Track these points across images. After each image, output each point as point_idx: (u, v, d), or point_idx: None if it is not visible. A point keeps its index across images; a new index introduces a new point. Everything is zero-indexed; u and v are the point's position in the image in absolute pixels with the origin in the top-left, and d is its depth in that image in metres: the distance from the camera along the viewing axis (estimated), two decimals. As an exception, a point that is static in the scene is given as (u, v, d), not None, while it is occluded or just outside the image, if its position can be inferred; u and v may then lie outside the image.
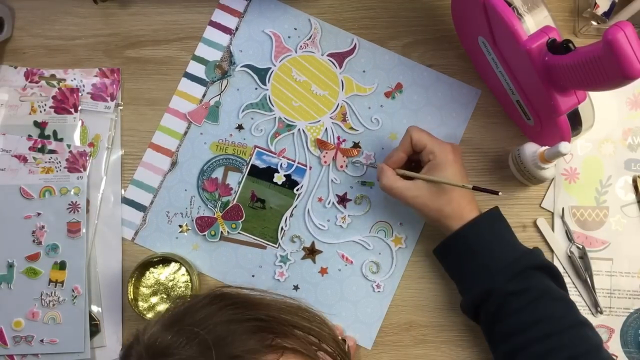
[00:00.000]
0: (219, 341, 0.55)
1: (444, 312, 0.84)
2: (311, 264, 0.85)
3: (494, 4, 0.67)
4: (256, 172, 0.86)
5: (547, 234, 0.83)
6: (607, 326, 0.82)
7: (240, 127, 0.86)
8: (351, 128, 0.86)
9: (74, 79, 0.87)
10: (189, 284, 0.81)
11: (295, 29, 0.87)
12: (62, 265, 0.84)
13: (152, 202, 0.86)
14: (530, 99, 0.74)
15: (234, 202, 0.85)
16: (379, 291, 0.84)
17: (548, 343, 0.69)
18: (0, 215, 0.84)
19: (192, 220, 0.85)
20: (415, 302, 0.84)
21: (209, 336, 0.55)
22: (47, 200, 0.84)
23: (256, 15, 0.87)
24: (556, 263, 0.82)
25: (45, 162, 0.85)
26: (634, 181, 0.83)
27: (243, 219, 0.85)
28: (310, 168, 0.86)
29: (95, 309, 0.84)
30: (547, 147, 0.74)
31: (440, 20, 0.86)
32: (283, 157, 0.86)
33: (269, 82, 0.86)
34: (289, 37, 0.87)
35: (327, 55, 0.87)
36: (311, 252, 0.85)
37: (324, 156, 0.85)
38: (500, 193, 0.70)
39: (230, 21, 0.87)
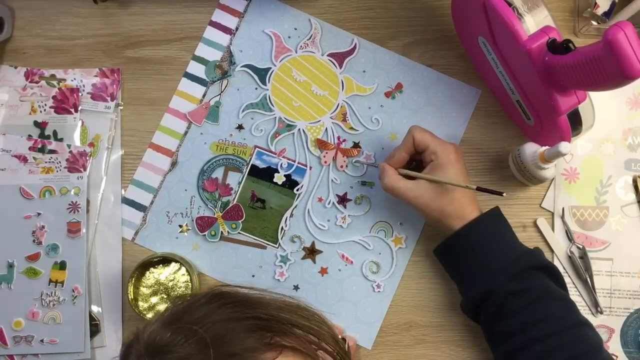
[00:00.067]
0: (218, 339, 0.55)
1: (444, 312, 0.84)
2: (311, 264, 0.85)
3: (494, 4, 0.67)
4: (256, 172, 0.86)
5: (547, 234, 0.83)
6: (607, 326, 0.82)
7: (240, 127, 0.86)
8: (351, 128, 0.86)
9: (74, 79, 0.87)
10: (189, 284, 0.81)
11: (296, 29, 0.87)
12: (62, 265, 0.84)
13: (152, 202, 0.86)
14: (530, 99, 0.74)
15: (234, 202, 0.85)
16: (379, 291, 0.84)
17: (548, 343, 0.69)
18: (0, 215, 0.84)
19: (192, 220, 0.85)
20: (416, 302, 0.84)
21: (208, 334, 0.55)
22: (47, 200, 0.84)
23: (256, 15, 0.87)
24: (556, 263, 0.82)
25: (45, 162, 0.85)
26: (634, 181, 0.83)
27: (243, 219, 0.85)
28: (311, 168, 0.86)
29: (95, 309, 0.84)
30: (547, 147, 0.74)
31: (440, 20, 0.86)
32: (283, 157, 0.86)
33: (269, 82, 0.87)
34: (289, 37, 0.87)
35: (327, 55, 0.87)
36: (311, 252, 0.85)
37: (324, 156, 0.85)
38: (504, 194, 0.70)
39: (230, 21, 0.87)
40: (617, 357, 0.82)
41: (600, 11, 0.81)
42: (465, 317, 0.78)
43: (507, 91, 0.78)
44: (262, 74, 0.87)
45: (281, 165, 0.86)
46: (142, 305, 0.81)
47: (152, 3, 0.88)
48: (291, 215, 0.85)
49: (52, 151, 0.85)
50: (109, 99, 0.86)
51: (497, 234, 0.76)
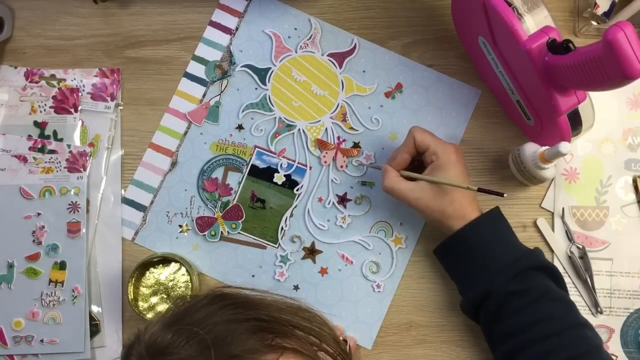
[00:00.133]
0: (218, 341, 0.55)
1: (444, 312, 0.84)
2: (311, 264, 0.85)
3: (494, 4, 0.67)
4: (256, 172, 0.86)
5: (547, 234, 0.83)
6: (607, 326, 0.82)
7: (240, 127, 0.86)
8: (351, 128, 0.86)
9: (74, 79, 0.87)
10: (189, 284, 0.81)
11: (295, 29, 0.87)
12: (62, 265, 0.84)
13: (152, 202, 0.86)
14: (530, 99, 0.74)
15: (234, 202, 0.85)
16: (379, 291, 0.84)
17: (548, 343, 0.69)
18: (0, 215, 0.84)
19: (192, 220, 0.85)
20: (416, 302, 0.84)
21: (209, 336, 0.55)
22: (47, 200, 0.84)
23: (256, 15, 0.87)
24: (556, 263, 0.82)
25: (45, 162, 0.85)
26: (634, 181, 0.83)
27: (243, 219, 0.85)
28: (310, 168, 0.86)
29: (95, 309, 0.84)
30: (547, 147, 0.74)
31: (440, 20, 0.86)
32: (283, 157, 0.86)
33: (269, 82, 0.86)
34: (289, 37, 0.87)
35: (327, 55, 0.87)
36: (311, 252, 0.85)
37: (324, 156, 0.85)
38: (505, 195, 0.70)
39: (230, 21, 0.87)
40: (617, 357, 0.82)
41: (600, 11, 0.81)
42: (465, 317, 0.78)
43: (507, 91, 0.78)
44: (262, 74, 0.87)
45: (281, 165, 0.86)
46: (142, 305, 0.81)
47: (152, 3, 0.88)
48: (291, 215, 0.85)
49: (52, 151, 0.85)
50: (109, 99, 0.86)
51: (497, 234, 0.76)
